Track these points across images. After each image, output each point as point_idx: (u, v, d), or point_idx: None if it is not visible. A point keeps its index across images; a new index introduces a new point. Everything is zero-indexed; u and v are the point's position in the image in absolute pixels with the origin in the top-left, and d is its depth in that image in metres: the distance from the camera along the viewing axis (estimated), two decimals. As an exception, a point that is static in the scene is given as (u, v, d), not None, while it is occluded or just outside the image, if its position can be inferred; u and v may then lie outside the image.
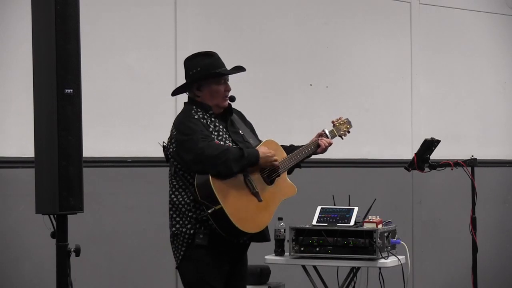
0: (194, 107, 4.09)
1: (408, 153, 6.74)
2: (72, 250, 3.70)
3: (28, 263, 5.32)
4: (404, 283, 4.68)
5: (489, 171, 7.13)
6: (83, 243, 3.77)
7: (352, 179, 6.57)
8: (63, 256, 3.69)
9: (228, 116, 4.17)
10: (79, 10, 3.76)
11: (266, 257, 4.79)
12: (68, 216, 3.71)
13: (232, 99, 4.16)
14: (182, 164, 3.97)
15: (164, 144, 4.03)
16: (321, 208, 4.79)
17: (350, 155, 6.62)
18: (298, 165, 4.36)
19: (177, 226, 4.01)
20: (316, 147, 4.36)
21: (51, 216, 3.71)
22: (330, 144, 4.41)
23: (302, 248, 4.65)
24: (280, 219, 4.77)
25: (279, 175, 4.12)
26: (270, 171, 4.10)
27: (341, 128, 4.57)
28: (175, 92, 4.26)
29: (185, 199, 3.97)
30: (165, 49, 5.89)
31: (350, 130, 4.61)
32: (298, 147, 4.34)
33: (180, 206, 3.99)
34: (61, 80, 3.67)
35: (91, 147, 4.87)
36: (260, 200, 4.00)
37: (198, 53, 4.15)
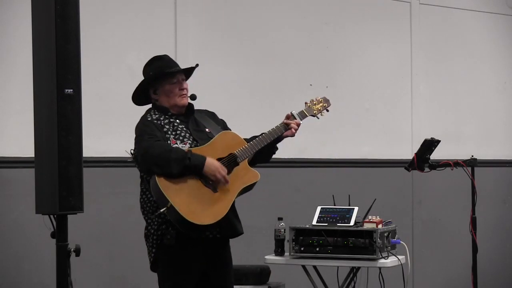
0: (152, 111, 4.12)
1: (408, 153, 6.73)
2: (72, 250, 3.70)
3: (28, 263, 5.31)
4: (404, 283, 4.68)
5: (489, 171, 7.12)
6: (83, 243, 3.77)
7: (352, 179, 6.56)
8: (63, 256, 3.69)
9: (190, 115, 4.15)
10: (79, 10, 3.76)
11: (266, 257, 4.79)
12: (68, 216, 3.72)
13: (193, 97, 4.15)
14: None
15: (132, 152, 4.03)
16: (321, 208, 4.79)
17: (350, 155, 6.62)
18: (271, 150, 4.21)
19: (148, 227, 4.05)
20: (283, 129, 4.18)
21: (51, 216, 3.71)
22: (297, 124, 4.22)
23: (302, 248, 4.65)
24: (280, 219, 4.77)
25: (237, 164, 4.03)
26: (228, 161, 4.01)
27: (315, 108, 4.38)
28: (138, 103, 4.23)
29: (150, 201, 4.00)
30: (165, 49, 5.87)
31: (328, 108, 4.41)
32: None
33: (147, 207, 4.04)
34: (61, 80, 3.67)
35: (91, 147, 4.86)
36: (215, 191, 3.94)
37: (151, 58, 4.20)
